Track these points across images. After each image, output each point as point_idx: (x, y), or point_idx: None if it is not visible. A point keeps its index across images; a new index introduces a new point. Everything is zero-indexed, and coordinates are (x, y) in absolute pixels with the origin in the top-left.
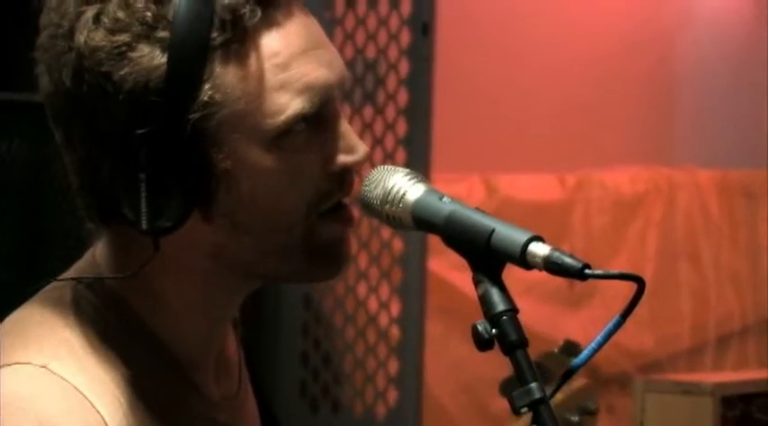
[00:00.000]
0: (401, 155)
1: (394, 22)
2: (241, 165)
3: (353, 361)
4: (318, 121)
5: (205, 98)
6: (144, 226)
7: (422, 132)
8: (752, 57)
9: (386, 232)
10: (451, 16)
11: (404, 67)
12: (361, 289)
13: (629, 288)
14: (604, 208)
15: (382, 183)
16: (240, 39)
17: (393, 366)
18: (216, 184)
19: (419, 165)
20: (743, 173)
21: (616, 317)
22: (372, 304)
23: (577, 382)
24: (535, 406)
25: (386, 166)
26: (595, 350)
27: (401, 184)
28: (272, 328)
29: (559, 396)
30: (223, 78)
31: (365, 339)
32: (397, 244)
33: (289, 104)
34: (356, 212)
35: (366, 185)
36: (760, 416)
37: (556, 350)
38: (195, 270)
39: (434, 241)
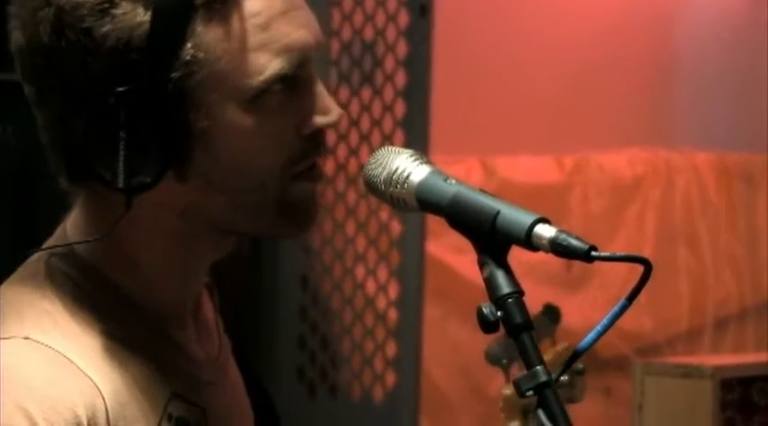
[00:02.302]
0: (399, 136)
1: (392, 3)
2: (218, 125)
3: (351, 344)
4: (295, 82)
5: (187, 57)
6: (120, 183)
7: (420, 114)
8: (750, 39)
9: (384, 214)
10: None
11: (402, 49)
12: (360, 272)
13: (626, 271)
14: (602, 191)
15: (386, 165)
16: None
17: (391, 349)
18: (192, 143)
19: (417, 147)
20: (741, 155)
21: (622, 300)
22: (370, 286)
23: (561, 344)
24: (541, 389)
25: (390, 147)
26: (601, 333)
27: (405, 165)
28: (269, 312)
29: (546, 358)
30: (205, 37)
31: (363, 322)
32: (396, 227)
33: (268, 65)
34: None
35: (370, 166)
36: (759, 399)
37: (536, 313)
38: (167, 230)
39: (433, 223)
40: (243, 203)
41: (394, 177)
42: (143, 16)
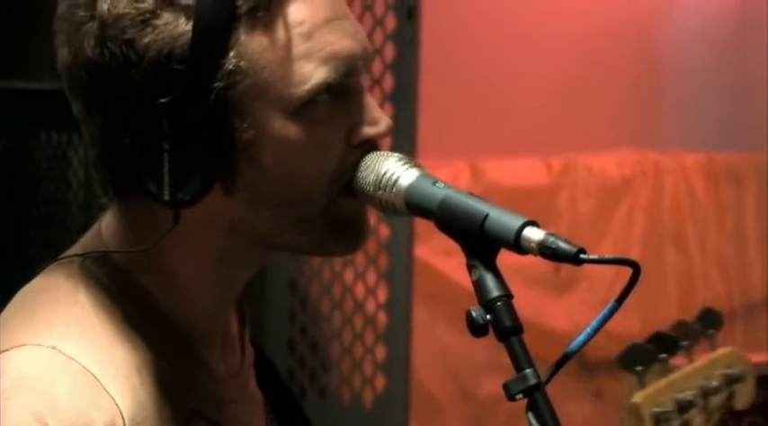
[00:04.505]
0: (387, 140)
1: (379, 6)
2: (264, 136)
3: (340, 348)
4: (342, 92)
5: (230, 66)
6: (166, 197)
7: (408, 117)
8: (737, 40)
9: (372, 218)
10: (437, 1)
11: (389, 52)
12: (348, 276)
13: (614, 274)
14: (590, 193)
15: (375, 169)
16: (266, 7)
17: (380, 352)
18: (238, 155)
19: (405, 151)
20: (729, 156)
21: (611, 302)
22: (359, 290)
23: (722, 350)
24: (531, 393)
25: (379, 152)
26: (591, 335)
27: (394, 169)
28: (259, 315)
29: (699, 363)
30: (248, 46)
31: (352, 325)
32: (384, 231)
33: (313, 74)
34: None
35: (359, 171)
36: None
37: (691, 318)
38: (210, 246)
39: (420, 227)
40: (290, 217)
41: (383, 181)
42: (185, 26)
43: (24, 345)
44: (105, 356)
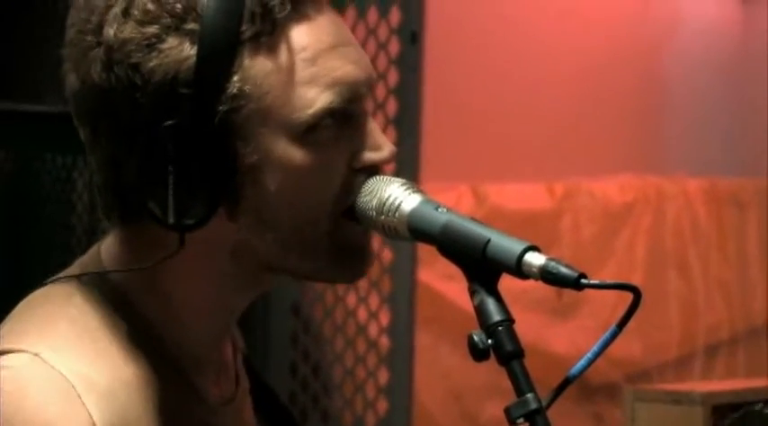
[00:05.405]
0: (390, 164)
1: (383, 30)
2: (268, 159)
3: (343, 371)
4: (345, 117)
5: (234, 91)
6: (171, 220)
7: (411, 141)
8: (739, 66)
9: (375, 241)
10: (440, 25)
11: (393, 77)
12: (351, 299)
13: (616, 298)
14: (593, 218)
15: (378, 194)
16: (270, 32)
17: (383, 376)
18: (242, 179)
19: (408, 175)
20: (731, 181)
21: (612, 327)
22: (362, 314)
23: None
24: (532, 417)
25: (382, 176)
26: (592, 360)
27: (397, 194)
28: (261, 338)
29: None
30: (252, 71)
31: (354, 349)
32: (387, 254)
33: (317, 98)
34: None
35: (362, 196)
36: None
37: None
38: (212, 270)
39: (423, 251)
40: (294, 241)
41: (385, 206)
42: (189, 50)
43: (10, 351)
44: (90, 371)
